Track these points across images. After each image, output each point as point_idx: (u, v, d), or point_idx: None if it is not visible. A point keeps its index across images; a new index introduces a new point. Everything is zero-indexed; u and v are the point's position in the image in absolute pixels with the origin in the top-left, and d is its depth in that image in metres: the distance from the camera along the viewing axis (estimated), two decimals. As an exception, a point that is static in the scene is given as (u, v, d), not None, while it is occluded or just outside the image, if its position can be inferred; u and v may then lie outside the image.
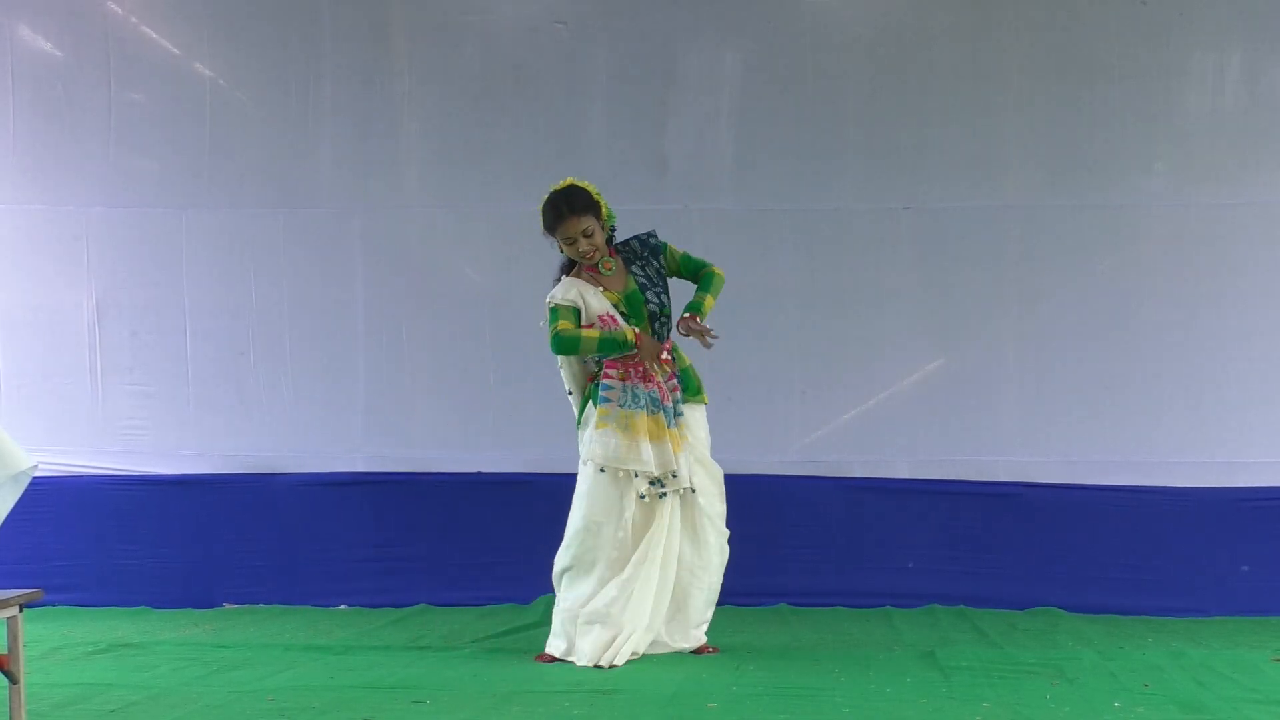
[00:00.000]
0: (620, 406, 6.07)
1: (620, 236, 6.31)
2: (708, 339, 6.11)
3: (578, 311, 6.10)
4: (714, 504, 6.32)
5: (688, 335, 6.13)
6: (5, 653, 3.79)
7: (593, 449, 6.09)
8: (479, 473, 7.79)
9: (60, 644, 6.61)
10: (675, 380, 6.18)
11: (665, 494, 6.09)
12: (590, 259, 6.12)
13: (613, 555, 6.11)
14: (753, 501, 7.64)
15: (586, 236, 6.10)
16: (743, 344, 7.73)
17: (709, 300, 6.20)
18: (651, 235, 6.31)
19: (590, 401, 6.17)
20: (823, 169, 7.74)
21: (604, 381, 6.11)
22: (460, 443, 7.84)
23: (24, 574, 7.43)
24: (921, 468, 7.66)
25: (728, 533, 6.33)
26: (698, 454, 6.24)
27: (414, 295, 7.89)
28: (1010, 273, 7.69)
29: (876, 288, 7.73)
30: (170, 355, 7.90)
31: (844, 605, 7.53)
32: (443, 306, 7.91)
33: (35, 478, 5.99)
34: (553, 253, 6.27)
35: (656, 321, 6.17)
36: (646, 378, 6.09)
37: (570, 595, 6.19)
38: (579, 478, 6.17)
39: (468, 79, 7.85)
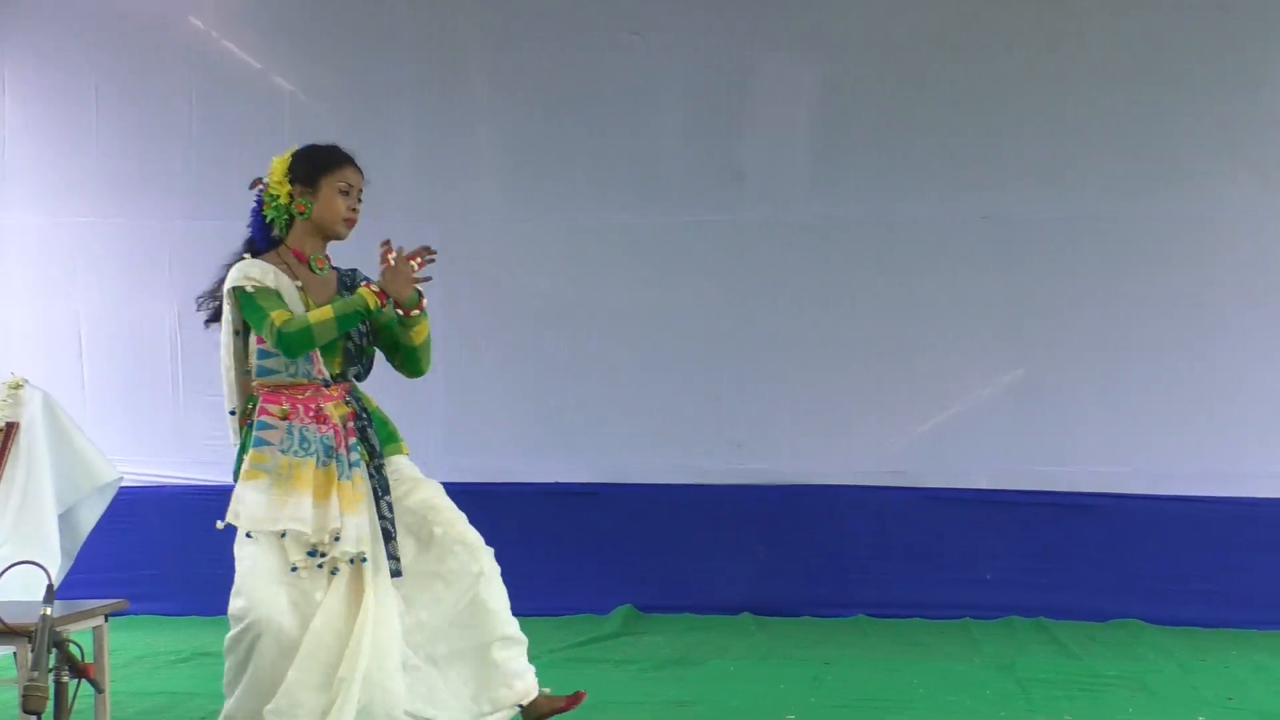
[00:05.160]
0: (282, 452, 4.51)
1: None
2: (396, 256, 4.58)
3: (279, 296, 4.54)
4: (463, 526, 4.71)
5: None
6: (91, 662, 3.84)
7: (237, 509, 4.50)
8: (555, 483, 7.81)
9: (143, 653, 6.70)
10: (355, 425, 4.64)
11: (322, 565, 4.48)
12: (350, 223, 4.68)
13: (289, 668, 4.40)
14: (830, 512, 7.67)
15: (360, 200, 4.72)
16: (819, 355, 7.73)
17: (422, 335, 4.72)
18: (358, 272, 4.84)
19: (243, 450, 4.61)
20: (900, 179, 7.71)
21: (261, 420, 4.54)
22: (535, 453, 7.86)
23: (108, 583, 7.49)
24: (1000, 478, 7.60)
25: (491, 551, 4.71)
26: (410, 486, 4.73)
27: (488, 304, 7.91)
28: (1090, 282, 7.63)
29: (955, 297, 7.69)
30: (250, 367, 7.97)
31: (922, 617, 7.49)
32: (516, 316, 7.92)
33: (119, 488, 6.10)
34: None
35: (351, 364, 4.68)
36: (320, 418, 4.56)
37: None
38: (236, 557, 4.53)
39: (543, 90, 7.88)
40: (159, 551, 7.87)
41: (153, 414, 8.00)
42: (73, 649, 3.58)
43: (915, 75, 7.72)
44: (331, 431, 4.54)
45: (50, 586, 3.55)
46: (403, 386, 7.84)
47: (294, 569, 4.44)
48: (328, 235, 4.67)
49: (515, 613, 7.73)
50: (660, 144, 7.86)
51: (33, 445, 5.70)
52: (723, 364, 7.82)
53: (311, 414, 4.55)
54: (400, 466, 4.74)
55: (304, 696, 4.35)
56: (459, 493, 7.78)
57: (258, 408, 4.56)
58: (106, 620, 4.64)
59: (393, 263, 4.52)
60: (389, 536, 4.58)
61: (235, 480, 4.59)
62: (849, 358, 7.73)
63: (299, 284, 4.57)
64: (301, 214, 4.63)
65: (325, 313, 4.45)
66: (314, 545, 4.45)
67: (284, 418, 4.53)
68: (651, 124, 7.86)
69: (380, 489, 4.62)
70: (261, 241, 4.67)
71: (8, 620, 3.84)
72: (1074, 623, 7.30)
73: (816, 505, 7.70)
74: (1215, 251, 7.55)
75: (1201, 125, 7.51)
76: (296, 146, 4.70)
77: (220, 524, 4.50)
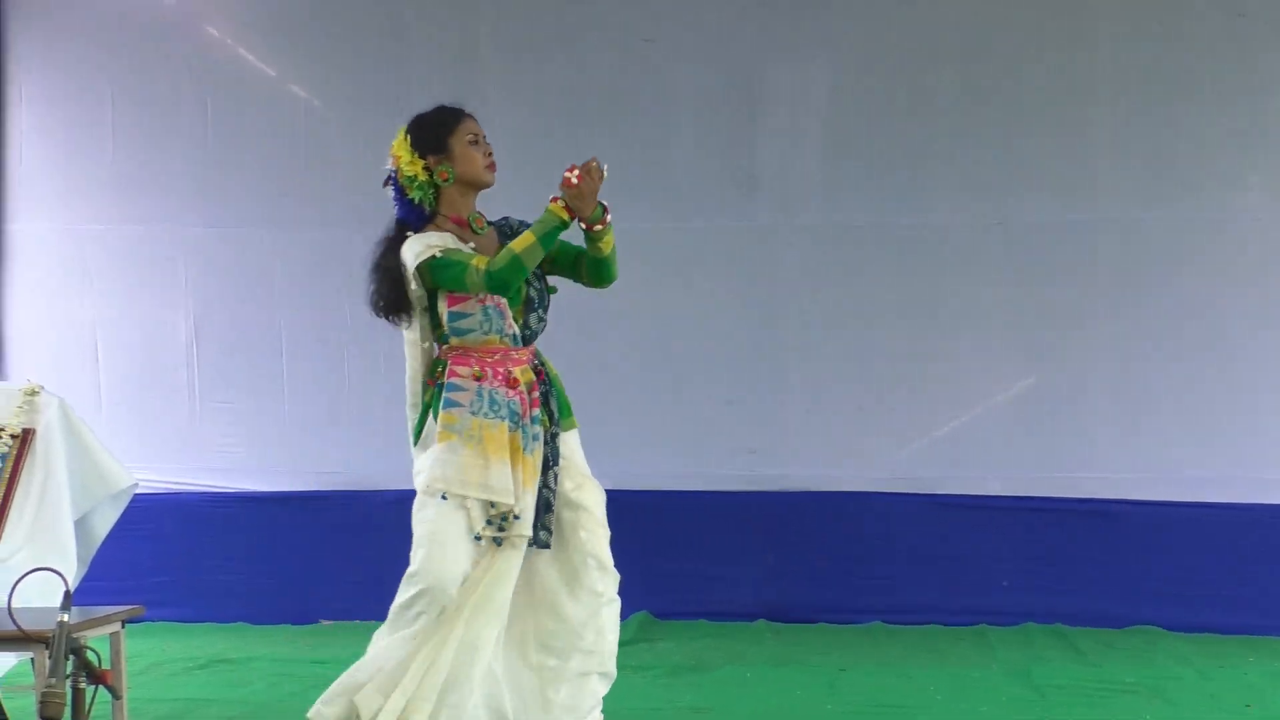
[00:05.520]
0: (472, 414, 4.55)
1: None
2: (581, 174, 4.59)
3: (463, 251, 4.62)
4: (604, 544, 4.82)
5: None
6: (108, 668, 3.85)
7: (434, 470, 4.53)
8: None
9: (159, 660, 6.70)
10: (539, 393, 4.71)
11: (500, 541, 4.55)
12: (492, 168, 4.75)
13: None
14: (844, 518, 7.65)
15: (488, 141, 4.78)
16: (832, 360, 7.71)
17: (610, 245, 4.75)
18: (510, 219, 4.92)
19: (430, 413, 4.64)
20: (913, 185, 7.70)
21: (451, 381, 4.58)
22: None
23: (122, 590, 7.49)
24: (1015, 484, 7.58)
25: (619, 577, 4.84)
26: (580, 482, 4.82)
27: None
28: (1102, 288, 7.61)
29: (967, 303, 7.67)
30: (265, 373, 7.97)
31: (939, 623, 7.47)
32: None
33: (134, 495, 6.09)
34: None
35: (531, 311, 4.75)
36: (509, 382, 4.61)
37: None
38: (416, 519, 4.60)
39: (556, 98, 7.88)
40: (173, 558, 7.87)
41: (167, 420, 8.00)
42: (90, 655, 3.58)
43: (928, 81, 7.71)
44: (519, 398, 4.60)
45: (68, 593, 3.55)
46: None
47: (478, 538, 4.51)
48: (477, 187, 4.76)
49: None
50: (672, 149, 7.85)
51: (49, 452, 5.69)
52: (735, 369, 7.81)
53: (501, 377, 4.60)
54: (574, 453, 4.79)
55: None
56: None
57: (447, 370, 4.61)
58: (123, 626, 4.64)
59: (574, 182, 4.56)
60: (548, 507, 4.64)
61: (414, 444, 4.67)
62: (862, 363, 7.72)
63: (472, 245, 4.64)
64: (446, 180, 4.69)
65: (526, 238, 4.54)
66: (495, 516, 4.52)
67: (476, 379, 4.58)
68: (663, 129, 7.85)
69: (551, 458, 4.67)
70: (417, 222, 4.72)
71: (25, 626, 3.84)
72: (1091, 629, 7.26)
73: (830, 511, 7.68)
74: (1229, 257, 7.53)
75: (1216, 131, 7.49)
76: (404, 125, 4.78)
77: (422, 492, 4.56)
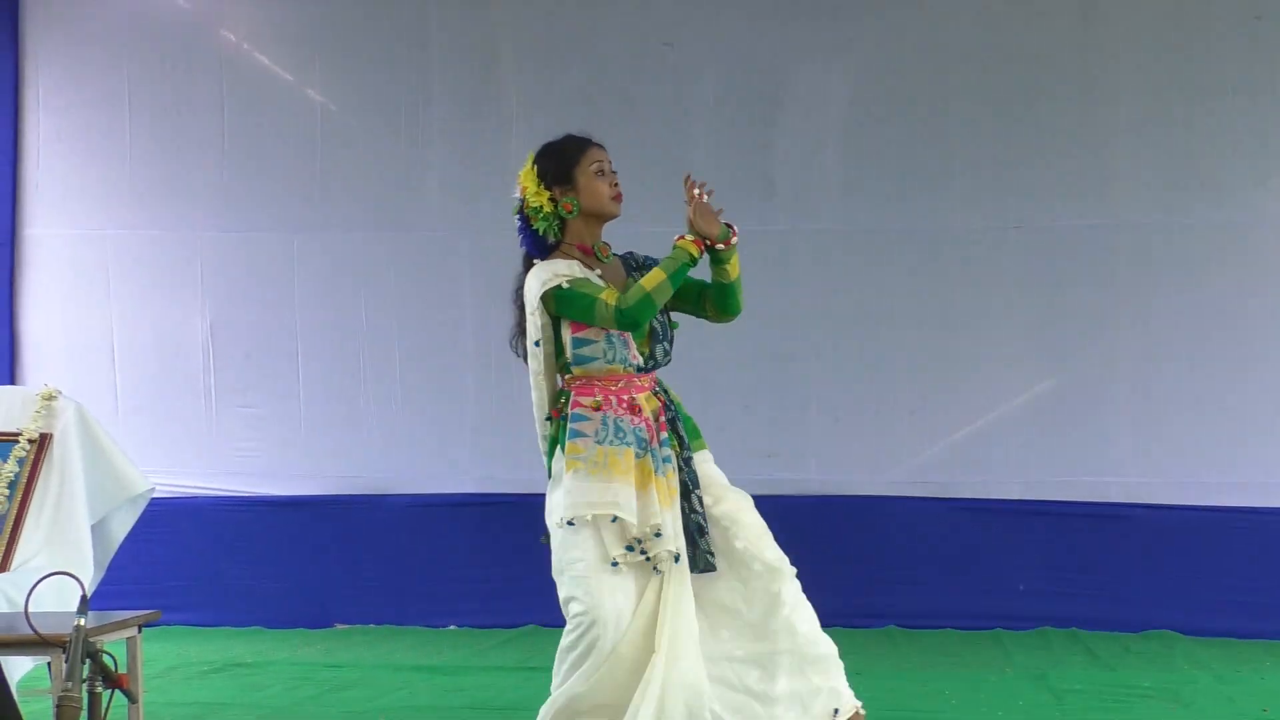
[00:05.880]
0: (597, 442, 4.46)
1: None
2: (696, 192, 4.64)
3: (592, 281, 4.54)
4: (765, 544, 4.62)
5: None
6: (124, 672, 3.85)
7: (564, 501, 4.45)
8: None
9: (176, 663, 6.72)
10: (665, 418, 4.60)
11: (648, 559, 4.40)
12: (618, 199, 4.65)
13: (625, 654, 4.37)
14: (861, 522, 7.64)
15: (615, 170, 4.67)
16: (850, 364, 7.71)
17: (737, 269, 4.69)
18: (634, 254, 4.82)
19: (559, 447, 4.55)
20: (931, 189, 7.69)
21: (575, 412, 4.51)
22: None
23: (139, 594, 7.51)
24: (1032, 488, 7.57)
25: (794, 571, 4.64)
26: (719, 495, 4.66)
27: (519, 316, 7.92)
28: (1122, 291, 7.60)
29: (986, 307, 7.67)
30: (282, 377, 7.99)
31: (954, 627, 7.46)
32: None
33: (151, 499, 6.11)
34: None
35: (657, 343, 4.62)
36: (633, 409, 4.52)
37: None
38: (559, 562, 4.45)
39: (574, 102, 7.87)
40: (189, 562, 7.90)
41: (185, 425, 8.02)
42: (106, 659, 3.58)
43: (946, 85, 7.70)
44: (644, 425, 4.51)
45: (84, 597, 3.55)
46: (432, 396, 7.89)
47: (614, 564, 4.37)
48: (602, 219, 4.65)
49: (547, 622, 7.74)
50: (690, 153, 7.84)
51: (66, 456, 5.70)
52: (752, 374, 7.81)
53: (625, 405, 4.52)
54: (709, 470, 4.67)
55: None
56: (492, 503, 7.86)
57: (570, 401, 4.54)
58: (140, 631, 4.64)
59: (704, 198, 4.56)
60: (702, 531, 4.54)
61: (549, 479, 4.56)
62: (880, 367, 7.72)
63: (598, 273, 4.56)
64: (570, 213, 4.60)
65: (657, 275, 4.47)
66: (633, 540, 4.39)
67: (597, 408, 4.50)
68: (681, 133, 7.86)
69: (691, 482, 4.58)
70: (541, 254, 4.64)
71: (42, 631, 3.84)
72: (1107, 633, 7.26)
73: (848, 515, 7.67)
74: (1249, 261, 7.52)
75: (1235, 134, 7.48)
76: (532, 153, 4.67)
77: (555, 527, 4.45)
